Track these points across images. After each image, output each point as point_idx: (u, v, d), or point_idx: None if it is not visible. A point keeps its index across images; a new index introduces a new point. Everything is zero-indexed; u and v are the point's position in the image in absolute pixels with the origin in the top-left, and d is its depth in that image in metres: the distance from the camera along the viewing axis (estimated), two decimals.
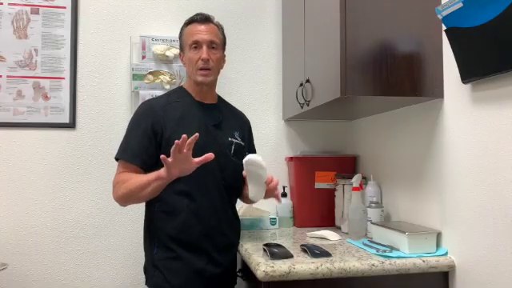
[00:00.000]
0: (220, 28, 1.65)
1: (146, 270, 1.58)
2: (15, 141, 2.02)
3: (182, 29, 1.65)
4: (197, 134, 1.34)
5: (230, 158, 1.61)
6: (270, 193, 1.57)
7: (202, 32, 1.57)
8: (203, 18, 1.60)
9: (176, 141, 1.30)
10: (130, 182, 1.47)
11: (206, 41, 1.57)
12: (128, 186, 1.47)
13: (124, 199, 1.51)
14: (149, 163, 1.51)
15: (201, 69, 1.56)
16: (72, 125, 2.06)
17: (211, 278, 1.53)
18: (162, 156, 1.33)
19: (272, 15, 2.28)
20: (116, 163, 1.57)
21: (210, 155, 1.37)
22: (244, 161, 1.48)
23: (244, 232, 1.83)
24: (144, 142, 1.51)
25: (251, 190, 1.53)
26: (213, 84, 1.65)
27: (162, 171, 1.39)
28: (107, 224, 2.07)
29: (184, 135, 1.31)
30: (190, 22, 1.62)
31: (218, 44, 1.61)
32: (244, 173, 1.52)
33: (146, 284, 1.57)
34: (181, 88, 1.69)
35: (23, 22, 2.04)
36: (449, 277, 1.42)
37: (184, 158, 1.34)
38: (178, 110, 1.57)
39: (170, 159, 1.33)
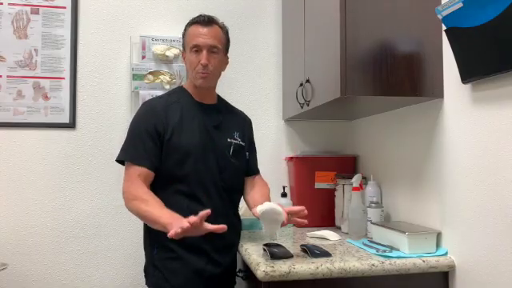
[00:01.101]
0: (224, 30, 1.62)
1: (146, 270, 1.58)
2: (15, 141, 2.02)
3: (185, 28, 1.62)
4: (208, 211, 1.28)
5: (228, 160, 1.60)
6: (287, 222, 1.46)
7: (203, 35, 1.55)
8: (206, 20, 1.57)
9: (188, 223, 1.25)
10: (143, 207, 1.44)
11: (206, 45, 1.54)
12: (140, 210, 1.45)
13: (131, 212, 1.51)
14: (156, 164, 1.51)
15: (200, 73, 1.55)
16: (72, 125, 2.06)
17: (211, 278, 1.53)
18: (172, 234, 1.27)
19: (272, 15, 2.28)
20: (116, 164, 1.56)
21: (223, 227, 1.32)
22: (260, 213, 1.40)
23: (244, 232, 1.83)
24: (149, 143, 1.50)
25: (267, 229, 1.46)
26: (212, 86, 1.65)
27: (168, 227, 1.33)
28: (107, 224, 2.07)
29: (193, 219, 1.26)
30: (194, 22, 1.59)
31: (220, 48, 1.58)
32: (257, 213, 1.44)
33: (146, 284, 1.57)
34: (181, 88, 1.69)
35: (23, 21, 2.05)
36: (449, 277, 1.42)
37: (196, 228, 1.31)
38: (178, 111, 1.56)
39: (179, 231, 1.27)
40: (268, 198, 1.68)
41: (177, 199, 1.50)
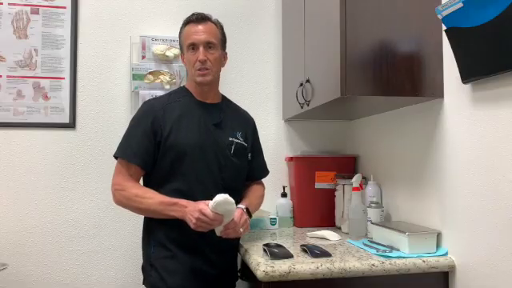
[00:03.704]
0: (219, 26, 1.63)
1: (144, 269, 1.58)
2: (15, 141, 2.02)
3: (180, 29, 1.64)
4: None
5: (229, 158, 1.60)
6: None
7: (198, 33, 1.56)
8: (199, 18, 1.58)
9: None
10: (144, 194, 1.49)
11: (202, 42, 1.55)
12: (140, 201, 1.49)
13: (124, 207, 1.54)
14: (149, 163, 1.52)
15: (199, 69, 1.56)
16: (72, 125, 2.06)
17: (208, 278, 1.53)
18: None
19: (272, 15, 2.28)
20: (113, 165, 1.57)
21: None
22: (211, 206, 1.38)
23: None
24: (144, 142, 1.51)
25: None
26: (214, 83, 1.64)
27: (181, 209, 1.43)
28: (107, 224, 2.07)
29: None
30: (187, 22, 1.60)
31: (216, 43, 1.58)
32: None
33: (143, 283, 1.57)
34: (182, 88, 1.69)
35: (23, 21, 2.04)
36: (449, 277, 1.42)
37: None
38: (177, 109, 1.57)
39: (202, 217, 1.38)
40: (255, 198, 1.69)
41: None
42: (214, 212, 1.38)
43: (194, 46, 1.56)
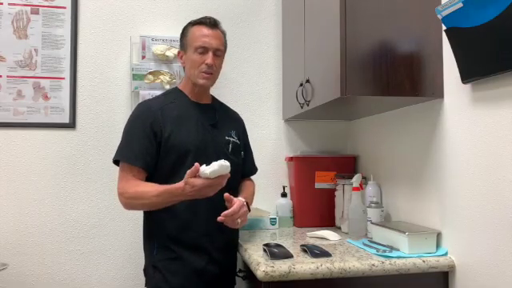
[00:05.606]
0: (224, 35, 1.67)
1: (146, 271, 1.58)
2: (15, 141, 2.02)
3: (186, 28, 1.64)
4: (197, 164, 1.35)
5: (228, 157, 1.60)
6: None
7: (210, 37, 1.58)
8: (212, 23, 1.61)
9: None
10: (145, 195, 1.47)
11: (213, 47, 1.58)
12: (142, 201, 1.49)
13: (133, 209, 1.56)
14: (151, 164, 1.52)
15: (204, 72, 1.57)
16: (72, 125, 2.06)
17: (211, 278, 1.53)
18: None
19: (272, 15, 2.28)
20: (114, 165, 1.57)
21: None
22: (216, 167, 1.36)
23: (244, 232, 1.83)
24: (145, 143, 1.51)
25: None
26: (211, 86, 1.68)
27: (181, 192, 1.40)
28: (107, 224, 2.07)
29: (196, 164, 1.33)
30: (199, 23, 1.61)
31: (223, 51, 1.64)
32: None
33: (146, 285, 1.57)
34: (176, 89, 1.70)
35: (23, 21, 2.04)
36: (449, 277, 1.42)
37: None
38: (175, 111, 1.57)
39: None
40: (250, 194, 1.71)
41: None
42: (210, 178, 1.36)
43: (203, 50, 1.58)
